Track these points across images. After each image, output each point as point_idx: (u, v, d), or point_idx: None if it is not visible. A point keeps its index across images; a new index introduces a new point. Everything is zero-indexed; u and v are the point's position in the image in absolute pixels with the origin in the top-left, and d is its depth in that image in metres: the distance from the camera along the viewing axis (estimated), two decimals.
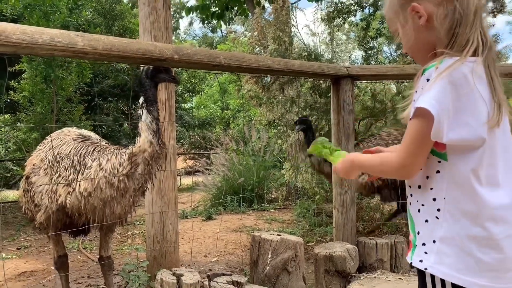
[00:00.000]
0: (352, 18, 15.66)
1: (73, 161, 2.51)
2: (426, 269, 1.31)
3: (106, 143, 2.79)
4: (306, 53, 4.49)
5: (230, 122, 16.25)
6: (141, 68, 2.57)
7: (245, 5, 10.80)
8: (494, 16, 14.78)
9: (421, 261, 1.33)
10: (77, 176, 2.45)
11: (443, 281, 1.28)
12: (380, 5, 14.25)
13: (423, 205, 1.35)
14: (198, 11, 10.31)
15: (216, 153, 9.06)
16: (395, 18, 1.41)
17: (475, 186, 1.26)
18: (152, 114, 2.40)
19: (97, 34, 2.51)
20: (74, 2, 9.01)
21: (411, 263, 1.37)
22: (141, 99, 2.46)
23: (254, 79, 5.21)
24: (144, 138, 2.38)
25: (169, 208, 3.29)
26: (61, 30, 2.08)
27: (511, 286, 1.25)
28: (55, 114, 8.51)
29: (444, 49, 1.29)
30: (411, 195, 1.40)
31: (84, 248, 4.71)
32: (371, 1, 14.33)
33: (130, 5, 12.03)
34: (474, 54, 1.27)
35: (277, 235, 3.23)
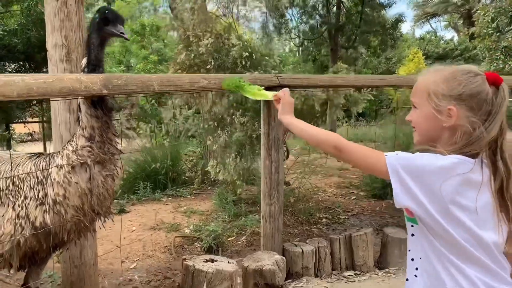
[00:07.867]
0: None
1: (38, 178, 2.18)
2: None
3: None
4: (247, 54, 4.17)
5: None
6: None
7: None
8: None
9: None
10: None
11: None
12: None
13: (407, 266, 1.46)
14: None
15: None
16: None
17: None
18: None
19: None
20: None
21: None
22: (84, 61, 2.17)
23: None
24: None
25: None
26: None
27: None
28: None
29: None
30: None
31: None
32: None
33: None
34: None
35: (210, 260, 3.11)
